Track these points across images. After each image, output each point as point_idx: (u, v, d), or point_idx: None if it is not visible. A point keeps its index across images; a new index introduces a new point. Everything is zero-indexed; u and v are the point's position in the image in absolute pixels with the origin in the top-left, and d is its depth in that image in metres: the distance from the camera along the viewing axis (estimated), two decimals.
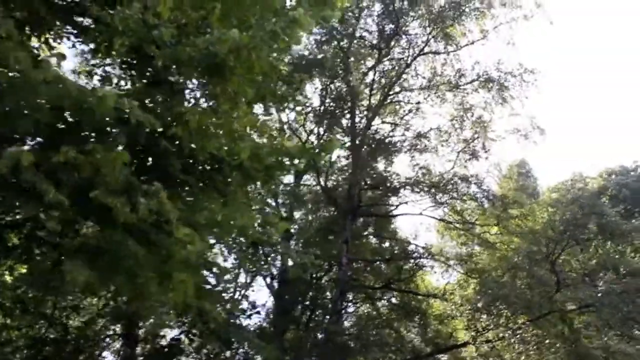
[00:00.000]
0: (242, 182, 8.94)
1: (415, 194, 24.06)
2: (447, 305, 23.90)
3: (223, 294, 19.06)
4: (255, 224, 10.27)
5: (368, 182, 23.83)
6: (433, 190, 23.84)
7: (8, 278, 12.97)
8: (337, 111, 24.61)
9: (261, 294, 33.58)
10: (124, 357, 17.77)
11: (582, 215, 23.23)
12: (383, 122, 25.30)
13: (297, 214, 24.80)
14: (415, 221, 26.88)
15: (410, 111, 24.89)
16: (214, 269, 10.87)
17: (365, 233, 24.61)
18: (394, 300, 24.37)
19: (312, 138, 24.64)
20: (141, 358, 17.73)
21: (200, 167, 8.49)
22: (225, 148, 8.11)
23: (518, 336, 22.58)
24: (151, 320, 17.00)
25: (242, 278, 24.33)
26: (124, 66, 8.78)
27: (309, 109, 24.43)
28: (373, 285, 23.43)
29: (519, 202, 24.13)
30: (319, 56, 23.60)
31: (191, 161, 8.23)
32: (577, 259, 23.67)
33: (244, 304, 21.63)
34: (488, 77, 24.21)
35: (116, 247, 6.97)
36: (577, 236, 23.34)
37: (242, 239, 14.39)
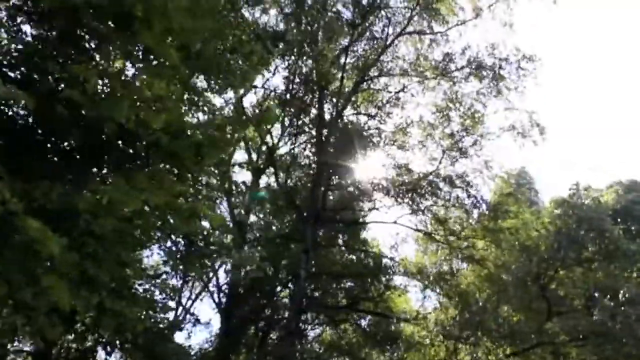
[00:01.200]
0: (160, 161, 8.41)
1: (390, 198, 20.70)
2: (422, 331, 20.83)
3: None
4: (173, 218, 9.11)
5: (335, 183, 20.40)
6: (412, 194, 20.52)
7: None
8: (305, 97, 20.96)
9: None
10: None
11: (581, 232, 20.20)
12: (357, 113, 21.65)
13: (253, 218, 21.20)
14: (391, 231, 23.40)
15: (388, 100, 21.53)
16: (128, 270, 9.43)
17: (330, 243, 20.98)
18: (362, 322, 20.90)
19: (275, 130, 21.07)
20: None
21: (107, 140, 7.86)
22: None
23: None
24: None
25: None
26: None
27: (272, 93, 20.83)
28: (337, 305, 20.02)
29: (513, 212, 20.75)
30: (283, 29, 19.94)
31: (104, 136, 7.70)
32: (572, 280, 20.46)
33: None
34: (480, 64, 21.10)
35: None
36: (574, 256, 20.32)
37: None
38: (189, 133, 8.71)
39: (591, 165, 21.56)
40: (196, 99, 9.63)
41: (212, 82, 10.06)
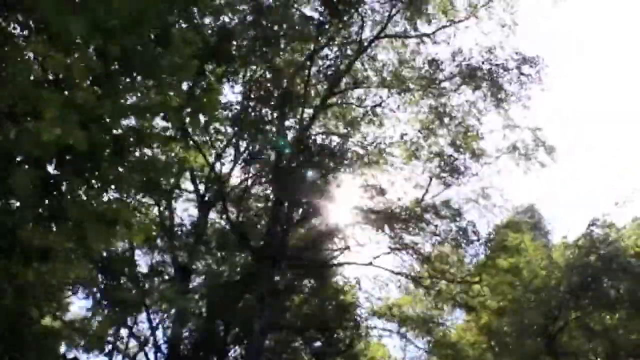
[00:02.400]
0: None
1: (366, 233, 17.49)
2: None
3: None
4: None
5: (298, 217, 17.20)
6: (392, 227, 17.23)
7: None
8: (263, 115, 17.74)
9: None
10: None
11: (601, 271, 16.75)
12: (325, 132, 18.45)
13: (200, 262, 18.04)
14: (368, 273, 20.08)
15: (363, 116, 18.20)
16: None
17: (292, 289, 17.71)
18: None
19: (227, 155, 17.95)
20: None
21: None
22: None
23: None
24: None
25: None
26: None
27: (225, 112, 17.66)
28: None
29: (515, 248, 17.39)
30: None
31: None
32: (588, 332, 16.99)
33: None
34: (474, 70, 17.90)
35: None
36: (591, 299, 16.85)
37: None
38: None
39: (615, 198, 17.96)
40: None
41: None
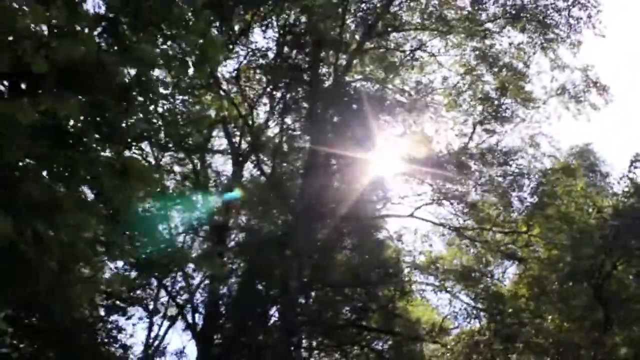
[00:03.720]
0: None
1: (408, 184, 17.22)
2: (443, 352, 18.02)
3: None
4: None
5: (336, 169, 16.83)
6: (435, 176, 16.94)
7: None
8: (297, 61, 17.26)
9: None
10: None
11: None
12: (362, 78, 17.97)
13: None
14: (409, 226, 19.94)
15: (404, 59, 18.01)
16: None
17: (331, 245, 17.52)
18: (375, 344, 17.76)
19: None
20: None
21: None
22: None
23: None
24: None
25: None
26: None
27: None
28: (339, 322, 16.71)
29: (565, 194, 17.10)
30: None
31: None
32: (636, 281, 17.28)
33: None
34: (520, 10, 17.34)
35: None
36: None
37: None
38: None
39: None
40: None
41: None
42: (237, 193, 15.92)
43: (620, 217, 17.40)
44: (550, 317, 17.73)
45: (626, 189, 17.88)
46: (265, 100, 17.98)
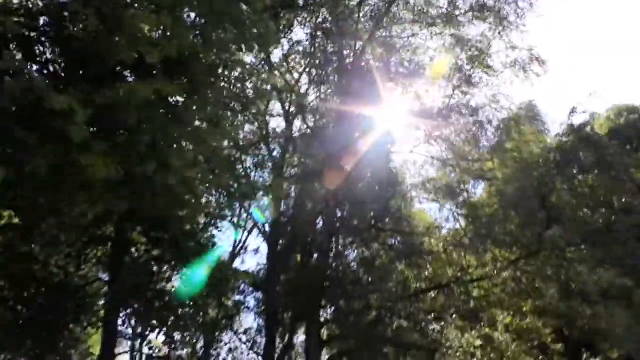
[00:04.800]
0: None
1: (407, 129, 24.30)
2: (436, 243, 24.38)
3: None
4: None
5: (360, 122, 23.97)
6: (427, 122, 23.96)
7: None
8: (327, 49, 24.45)
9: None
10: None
11: (579, 149, 23.27)
12: (373, 57, 24.99)
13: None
14: (409, 159, 27.08)
15: (403, 45, 24.76)
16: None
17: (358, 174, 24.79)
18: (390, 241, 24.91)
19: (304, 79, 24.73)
20: None
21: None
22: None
23: (512, 274, 22.94)
24: None
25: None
26: None
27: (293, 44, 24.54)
28: (364, 226, 23.96)
29: (516, 133, 23.96)
30: None
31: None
32: (571, 192, 23.64)
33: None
34: (483, 6, 24.04)
35: None
36: (573, 170, 23.42)
37: None
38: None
39: (590, 91, 23.87)
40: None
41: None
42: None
43: (559, 150, 24.32)
44: (511, 222, 24.49)
45: (565, 131, 24.80)
46: (305, 76, 25.43)
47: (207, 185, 20.70)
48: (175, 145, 9.27)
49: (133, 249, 17.87)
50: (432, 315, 22.76)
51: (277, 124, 26.35)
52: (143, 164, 8.32)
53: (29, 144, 7.15)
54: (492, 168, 24.00)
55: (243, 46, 10.45)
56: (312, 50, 24.19)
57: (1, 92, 6.89)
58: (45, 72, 8.49)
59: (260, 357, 24.28)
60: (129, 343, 28.25)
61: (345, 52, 24.38)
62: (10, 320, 16.03)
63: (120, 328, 20.52)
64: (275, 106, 25.85)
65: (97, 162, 7.36)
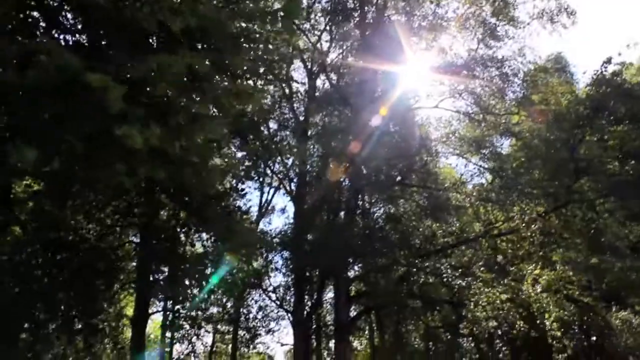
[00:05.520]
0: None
1: (432, 83, 24.08)
2: (462, 198, 24.23)
3: None
4: None
5: (383, 78, 23.77)
6: (451, 76, 23.67)
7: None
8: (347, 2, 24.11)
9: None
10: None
11: (610, 97, 22.73)
12: (396, 13, 24.59)
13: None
14: (433, 114, 26.81)
15: None
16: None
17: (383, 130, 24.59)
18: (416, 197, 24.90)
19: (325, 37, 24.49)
20: None
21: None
22: None
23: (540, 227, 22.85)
24: None
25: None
26: None
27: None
28: (390, 182, 23.95)
29: (544, 85, 23.52)
30: None
31: None
32: (600, 144, 23.23)
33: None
34: None
35: None
36: (604, 121, 22.98)
37: None
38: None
39: (623, 41, 23.04)
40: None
41: None
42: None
43: (589, 101, 23.82)
44: (539, 175, 24.10)
45: (595, 81, 24.22)
46: (326, 34, 25.10)
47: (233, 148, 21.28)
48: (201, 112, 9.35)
49: (161, 213, 18.29)
50: (460, 270, 22.84)
51: (300, 83, 26.24)
52: (174, 136, 8.47)
53: (65, 118, 7.32)
54: (519, 121, 23.69)
55: (268, 18, 10.40)
56: (333, 6, 23.79)
57: (36, 70, 6.98)
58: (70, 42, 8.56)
59: (289, 314, 24.80)
60: (161, 303, 29.03)
61: (366, 8, 24.00)
62: (46, 284, 16.50)
63: (151, 289, 21.12)
64: (298, 66, 25.72)
65: (133, 133, 7.49)
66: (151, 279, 18.44)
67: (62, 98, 7.36)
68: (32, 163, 6.95)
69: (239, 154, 21.55)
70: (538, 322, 23.83)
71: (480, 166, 24.55)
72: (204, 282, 17.67)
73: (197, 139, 9.17)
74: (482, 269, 22.92)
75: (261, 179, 25.17)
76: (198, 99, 9.46)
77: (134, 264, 20.53)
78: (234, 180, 21.15)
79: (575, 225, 22.24)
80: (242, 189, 21.77)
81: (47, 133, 7.56)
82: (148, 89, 8.47)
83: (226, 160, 20.47)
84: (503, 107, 24.01)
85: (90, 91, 7.06)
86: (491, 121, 24.06)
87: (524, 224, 21.85)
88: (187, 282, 17.85)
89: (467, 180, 24.84)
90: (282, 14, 9.78)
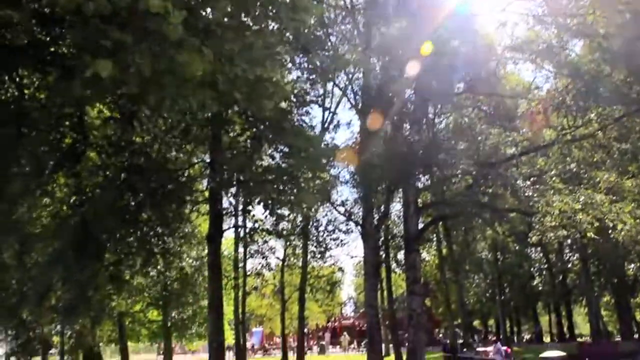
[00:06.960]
0: None
1: None
2: (533, 105, 23.45)
3: None
4: None
5: None
6: None
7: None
8: None
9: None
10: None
11: None
12: None
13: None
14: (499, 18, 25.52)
15: None
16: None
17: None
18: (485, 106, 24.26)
19: None
20: None
21: None
22: None
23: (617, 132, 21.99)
24: None
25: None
26: None
27: None
28: (455, 92, 23.47)
29: None
30: None
31: None
32: None
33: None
34: None
35: None
36: None
37: None
38: None
39: None
40: None
41: None
42: None
43: None
44: (617, 77, 22.28)
45: None
46: None
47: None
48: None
49: (230, 129, 18.69)
50: (530, 179, 22.41)
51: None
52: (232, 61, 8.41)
53: (127, 43, 7.29)
54: (594, 22, 22.35)
55: None
56: None
57: None
58: None
59: (359, 227, 25.30)
60: (233, 220, 30.18)
61: None
62: (121, 207, 17.36)
63: (224, 205, 21.86)
64: None
65: (192, 59, 7.49)
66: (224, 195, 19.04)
67: (121, 26, 7.30)
68: (107, 76, 6.97)
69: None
70: (610, 232, 23.27)
71: (553, 71, 23.44)
72: (279, 196, 17.98)
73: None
74: (553, 178, 22.46)
75: (323, 94, 25.09)
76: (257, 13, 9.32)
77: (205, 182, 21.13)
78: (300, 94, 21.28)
79: None
80: (307, 104, 22.28)
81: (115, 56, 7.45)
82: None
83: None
84: (576, 7, 22.58)
85: (149, 16, 6.97)
86: (563, 23, 22.71)
87: (600, 130, 21.07)
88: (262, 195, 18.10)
89: (538, 87, 23.86)
90: None
